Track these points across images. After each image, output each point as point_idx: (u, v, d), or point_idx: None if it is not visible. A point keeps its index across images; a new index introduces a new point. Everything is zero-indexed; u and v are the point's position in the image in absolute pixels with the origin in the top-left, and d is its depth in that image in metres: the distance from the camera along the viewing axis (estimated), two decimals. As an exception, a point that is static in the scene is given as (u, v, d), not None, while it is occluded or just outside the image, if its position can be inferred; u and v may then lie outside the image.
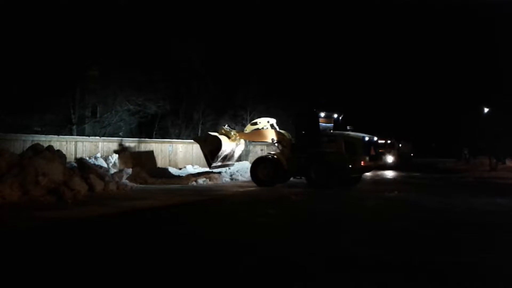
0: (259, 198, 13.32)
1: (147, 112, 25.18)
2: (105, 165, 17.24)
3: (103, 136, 21.31)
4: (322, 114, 16.67)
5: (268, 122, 18.24)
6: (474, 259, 6.04)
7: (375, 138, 17.00)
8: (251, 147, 26.89)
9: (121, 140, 20.81)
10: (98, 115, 24.25)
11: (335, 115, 17.32)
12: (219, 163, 18.41)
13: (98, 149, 18.86)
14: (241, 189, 15.72)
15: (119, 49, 22.80)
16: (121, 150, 19.73)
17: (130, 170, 17.30)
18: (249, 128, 18.53)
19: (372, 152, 16.60)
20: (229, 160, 19.02)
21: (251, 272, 5.40)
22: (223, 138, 17.85)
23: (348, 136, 16.22)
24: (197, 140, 20.15)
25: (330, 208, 11.40)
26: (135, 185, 15.81)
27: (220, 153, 17.63)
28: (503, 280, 5.21)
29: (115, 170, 16.92)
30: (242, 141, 19.28)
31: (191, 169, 22.20)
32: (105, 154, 18.78)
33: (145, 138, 24.10)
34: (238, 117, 28.42)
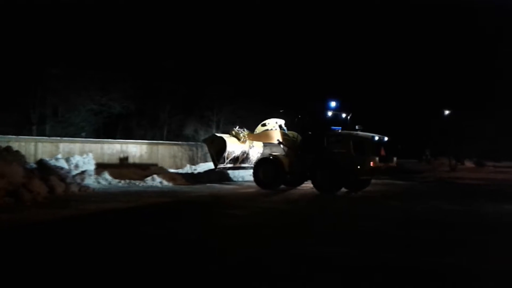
0: (223, 199, 13.23)
1: (111, 112, 24.68)
2: (66, 166, 16.72)
3: (64, 137, 20.72)
4: (330, 114, 16.08)
5: (276, 123, 17.91)
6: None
7: (386, 138, 15.73)
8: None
9: (84, 140, 20.28)
10: (59, 115, 23.59)
11: (343, 115, 16.55)
12: (229, 165, 18.11)
13: (59, 150, 18.32)
14: (206, 190, 15.58)
15: (83, 47, 22.28)
16: (84, 151, 19.21)
17: (92, 172, 16.86)
18: (259, 129, 18.11)
19: (383, 153, 15.36)
20: (242, 162, 18.58)
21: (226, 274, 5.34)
22: (229, 139, 17.57)
23: (357, 136, 15.37)
24: (205, 141, 19.91)
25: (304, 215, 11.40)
26: (97, 186, 15.42)
27: (225, 154, 17.31)
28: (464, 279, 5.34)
29: (76, 172, 16.45)
30: (255, 142, 18.61)
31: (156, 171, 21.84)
32: (66, 155, 18.25)
33: (109, 138, 23.58)
34: (205, 118, 28.21)
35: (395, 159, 16.02)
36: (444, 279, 5.26)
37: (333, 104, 16.35)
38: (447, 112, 35.40)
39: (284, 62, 37.19)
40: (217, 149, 17.54)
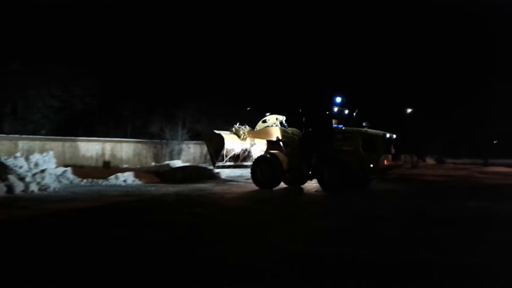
0: (189, 197, 13.12)
1: (72, 109, 24.01)
2: (25, 165, 16.16)
3: (24, 134, 20.03)
4: (336, 109, 15.34)
5: (276, 119, 17.24)
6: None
7: (394, 136, 15.19)
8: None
9: (44, 138, 19.67)
10: (18, 112, 22.78)
11: (346, 111, 15.89)
12: (229, 163, 17.50)
13: (18, 148, 17.75)
14: (172, 189, 15.39)
15: (44, 42, 21.59)
16: (44, 149, 18.63)
17: (53, 170, 16.38)
18: (260, 126, 17.50)
19: (393, 151, 14.82)
20: (244, 160, 18.03)
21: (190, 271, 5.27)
22: (228, 137, 17.00)
23: (366, 132, 14.65)
24: (203, 138, 19.38)
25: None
26: (58, 186, 14.98)
27: (223, 151, 16.75)
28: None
29: (36, 170, 15.92)
30: (260, 140, 17.94)
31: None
32: (25, 153, 17.66)
33: (70, 136, 22.95)
34: (170, 115, 27.75)
35: (402, 157, 15.70)
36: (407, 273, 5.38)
37: (338, 99, 15.59)
38: (409, 110, 36.24)
39: (264, 58, 37.40)
40: (215, 147, 16.99)
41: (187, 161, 24.75)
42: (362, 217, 9.88)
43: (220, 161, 16.96)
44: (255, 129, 17.51)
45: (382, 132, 14.74)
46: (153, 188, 15.57)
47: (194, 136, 27.49)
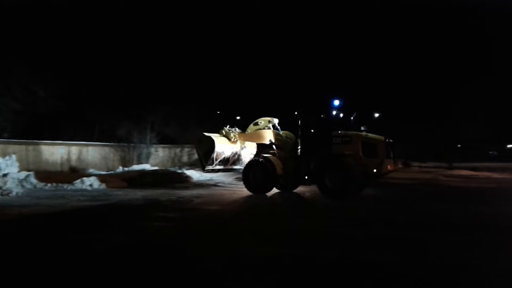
0: (158, 202, 12.93)
1: (36, 112, 23.32)
2: (-14, 169, 15.63)
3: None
4: (334, 113, 15.01)
5: (269, 122, 16.57)
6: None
7: (391, 140, 14.93)
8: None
9: (6, 141, 19.04)
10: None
11: (341, 115, 15.42)
12: (218, 166, 16.74)
13: (-23, 152, 17.07)
14: (140, 193, 15.12)
15: (5, 42, 20.92)
16: (6, 153, 18.03)
17: (15, 175, 15.86)
18: (251, 128, 16.78)
19: (392, 155, 14.62)
20: (234, 164, 17.29)
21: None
22: (218, 139, 16.25)
23: (367, 137, 14.38)
24: (193, 141, 18.67)
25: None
26: (21, 190, 14.50)
27: (214, 154, 16.02)
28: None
29: (-2, 175, 15.40)
30: (250, 143, 17.33)
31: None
32: (-14, 157, 17.05)
33: (34, 139, 22.30)
34: (139, 119, 27.36)
35: (399, 162, 15.52)
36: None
37: (336, 102, 15.26)
38: (376, 114, 36.86)
39: (251, 61, 37.24)
40: (205, 150, 16.29)
41: (155, 165, 24.45)
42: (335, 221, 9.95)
43: (210, 164, 16.28)
44: (246, 132, 16.86)
45: (383, 136, 14.51)
46: (120, 193, 15.26)
47: (163, 140, 27.20)
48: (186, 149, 27.72)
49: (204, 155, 16.34)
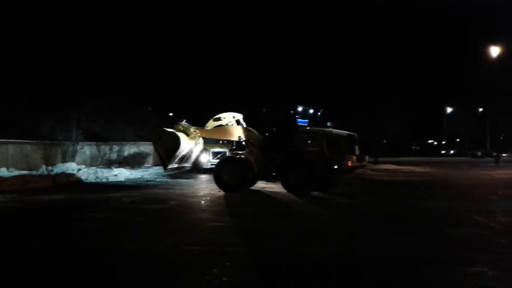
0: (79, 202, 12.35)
1: None
2: None
3: None
4: (300, 109, 14.73)
5: (233, 117, 15.88)
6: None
7: (357, 136, 15.04)
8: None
9: None
10: None
11: (311, 111, 15.31)
12: (176, 165, 15.64)
13: None
14: (63, 192, 14.36)
15: None
16: None
17: None
18: (211, 124, 15.90)
19: (357, 152, 14.64)
20: (186, 161, 16.18)
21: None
22: (181, 136, 15.10)
23: (331, 133, 14.41)
24: (151, 137, 16.96)
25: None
26: None
27: (178, 152, 14.96)
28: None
29: None
30: (201, 139, 16.46)
31: (5, 172, 19.60)
32: None
33: None
34: (62, 115, 25.89)
35: (366, 157, 15.58)
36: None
37: (299, 108, 15.31)
38: (311, 110, 37.80)
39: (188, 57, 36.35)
40: (167, 147, 14.99)
41: (82, 163, 23.34)
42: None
43: (172, 163, 15.21)
44: (206, 128, 16.05)
45: (346, 132, 14.55)
46: (43, 193, 14.34)
47: (91, 137, 26.03)
48: (115, 147, 26.76)
49: (166, 153, 15.08)
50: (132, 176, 20.67)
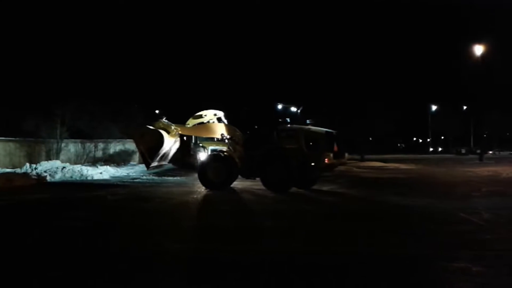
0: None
1: None
2: None
3: None
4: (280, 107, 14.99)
5: (215, 115, 15.57)
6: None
7: (335, 133, 15.20)
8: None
9: None
10: None
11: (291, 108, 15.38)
12: (156, 163, 15.23)
13: None
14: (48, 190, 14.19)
15: None
16: None
17: None
18: (191, 121, 15.54)
19: (335, 149, 14.57)
20: (164, 159, 15.78)
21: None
22: (165, 133, 14.72)
23: (309, 130, 14.58)
24: (131, 134, 16.53)
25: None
26: None
27: (161, 150, 14.62)
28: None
29: None
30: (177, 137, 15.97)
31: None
32: None
33: None
34: (47, 112, 25.54)
35: (346, 154, 15.41)
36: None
37: (279, 106, 15.30)
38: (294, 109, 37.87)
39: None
40: (150, 145, 14.61)
41: (67, 161, 23.08)
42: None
43: (155, 160, 14.89)
44: (186, 125, 15.71)
45: (324, 129, 14.73)
46: (28, 191, 14.14)
47: (76, 134, 25.75)
48: (101, 144, 26.53)
49: (149, 151, 14.72)
50: (117, 174, 20.49)
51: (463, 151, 58.48)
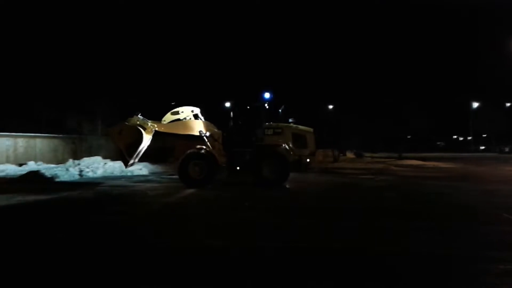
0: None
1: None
2: None
3: None
4: (266, 105, 15.11)
5: (192, 111, 15.52)
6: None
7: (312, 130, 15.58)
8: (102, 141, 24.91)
9: None
10: None
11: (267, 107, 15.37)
12: (133, 161, 15.10)
13: None
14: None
15: None
16: None
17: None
18: (168, 118, 15.37)
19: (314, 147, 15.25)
20: (140, 156, 15.59)
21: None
22: (144, 130, 14.48)
23: (297, 128, 15.15)
24: (109, 133, 16.24)
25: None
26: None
27: (141, 148, 14.48)
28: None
29: None
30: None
31: (33, 165, 20.14)
32: None
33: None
34: (87, 110, 26.34)
35: (337, 153, 16.03)
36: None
37: (267, 95, 15.30)
38: (330, 107, 37.62)
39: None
40: (128, 142, 14.34)
41: (108, 157, 23.74)
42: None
43: (133, 158, 14.76)
44: (162, 122, 15.43)
45: (311, 128, 15.27)
46: (68, 188, 14.68)
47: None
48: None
49: (127, 148, 14.44)
50: (157, 170, 20.95)
51: (506, 149, 56.45)
